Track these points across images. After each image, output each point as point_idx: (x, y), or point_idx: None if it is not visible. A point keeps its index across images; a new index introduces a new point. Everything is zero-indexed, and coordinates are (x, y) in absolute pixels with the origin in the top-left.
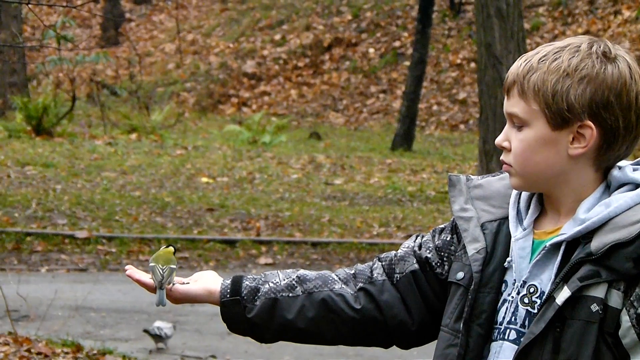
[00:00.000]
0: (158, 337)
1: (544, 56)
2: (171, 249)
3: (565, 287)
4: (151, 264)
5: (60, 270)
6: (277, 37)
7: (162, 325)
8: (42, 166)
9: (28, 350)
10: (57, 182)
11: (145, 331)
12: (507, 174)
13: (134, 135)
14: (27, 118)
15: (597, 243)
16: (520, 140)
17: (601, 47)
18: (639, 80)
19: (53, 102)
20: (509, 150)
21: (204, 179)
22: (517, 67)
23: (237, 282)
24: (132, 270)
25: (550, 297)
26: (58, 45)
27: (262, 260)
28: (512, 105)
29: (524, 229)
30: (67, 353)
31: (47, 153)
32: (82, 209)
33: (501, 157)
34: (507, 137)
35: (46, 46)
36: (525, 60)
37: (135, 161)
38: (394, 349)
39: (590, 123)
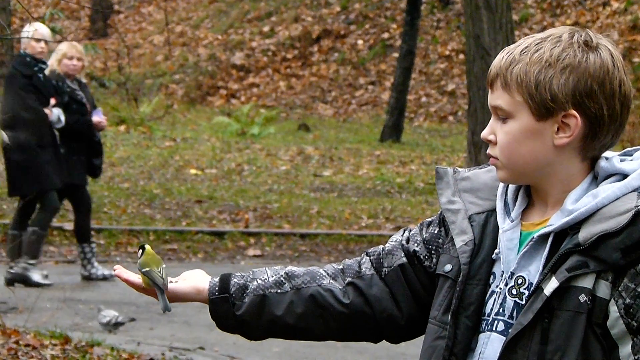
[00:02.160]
0: (120, 324)
1: (526, 48)
2: (148, 248)
3: (553, 278)
4: (144, 269)
5: (48, 262)
6: (266, 28)
7: (115, 313)
8: None
9: (16, 342)
10: None
11: (106, 325)
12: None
13: (122, 127)
14: None
15: (585, 234)
16: (506, 132)
17: (582, 37)
18: (622, 67)
19: None
20: (495, 143)
21: (193, 171)
22: (500, 60)
23: (225, 280)
24: (120, 270)
25: (539, 288)
26: None
27: (251, 251)
28: (496, 98)
29: (512, 221)
30: (55, 345)
31: None
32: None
33: (487, 151)
34: (493, 130)
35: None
36: (508, 52)
37: (124, 153)
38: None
39: (574, 112)
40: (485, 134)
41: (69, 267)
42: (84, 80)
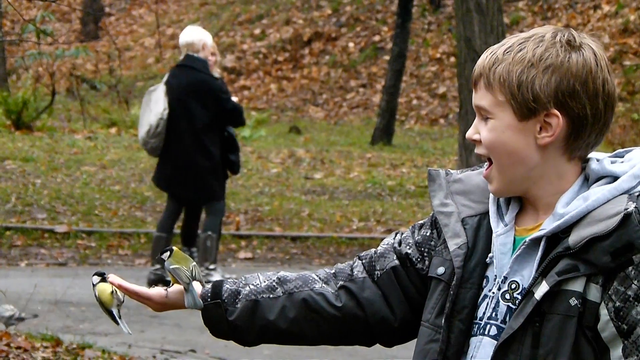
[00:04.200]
0: (21, 319)
1: (509, 47)
2: (175, 250)
3: (544, 282)
4: (192, 264)
5: (39, 264)
6: (257, 31)
7: (15, 309)
8: (22, 160)
9: (7, 345)
10: (37, 176)
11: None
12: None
13: (113, 130)
14: (7, 112)
15: (575, 237)
16: (489, 131)
17: (565, 36)
18: (605, 67)
19: (33, 96)
20: (480, 142)
21: None
22: (483, 59)
23: (217, 286)
24: (113, 277)
25: (530, 292)
26: (38, 39)
27: (242, 254)
28: (480, 97)
29: (506, 225)
30: (46, 347)
31: (27, 147)
32: (62, 203)
33: (475, 150)
34: (477, 129)
35: (26, 40)
36: (491, 52)
37: (115, 155)
38: None
39: (556, 112)
40: (469, 134)
41: (59, 270)
42: (217, 75)
